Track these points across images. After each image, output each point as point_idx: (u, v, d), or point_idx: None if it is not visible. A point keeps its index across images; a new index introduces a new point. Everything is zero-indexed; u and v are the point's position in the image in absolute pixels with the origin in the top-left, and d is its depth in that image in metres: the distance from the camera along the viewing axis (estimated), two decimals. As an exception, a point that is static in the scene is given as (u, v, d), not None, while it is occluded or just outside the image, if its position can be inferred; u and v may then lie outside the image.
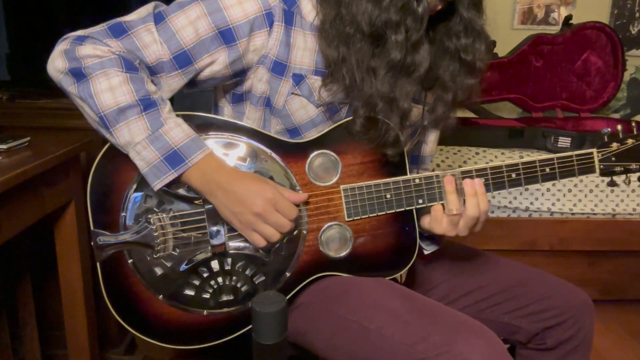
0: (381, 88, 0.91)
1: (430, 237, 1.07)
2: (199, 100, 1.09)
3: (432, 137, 1.15)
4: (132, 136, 0.86)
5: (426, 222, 0.99)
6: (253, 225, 0.88)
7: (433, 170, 1.07)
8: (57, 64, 0.87)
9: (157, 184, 0.87)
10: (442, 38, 0.99)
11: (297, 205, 0.92)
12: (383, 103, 0.92)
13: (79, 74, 0.86)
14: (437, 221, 0.96)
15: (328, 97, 0.95)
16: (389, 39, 0.89)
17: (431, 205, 0.98)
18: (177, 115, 0.90)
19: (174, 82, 0.92)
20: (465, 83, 1.00)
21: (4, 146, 1.20)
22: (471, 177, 0.97)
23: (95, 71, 0.85)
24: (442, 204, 0.96)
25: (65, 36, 0.90)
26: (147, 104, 0.86)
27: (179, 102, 0.95)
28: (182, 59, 0.90)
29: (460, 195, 0.96)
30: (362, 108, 0.93)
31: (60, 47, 0.88)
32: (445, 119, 1.06)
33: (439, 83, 1.01)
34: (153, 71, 0.91)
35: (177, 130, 0.87)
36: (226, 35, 0.90)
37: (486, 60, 1.01)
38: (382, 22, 0.88)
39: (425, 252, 1.07)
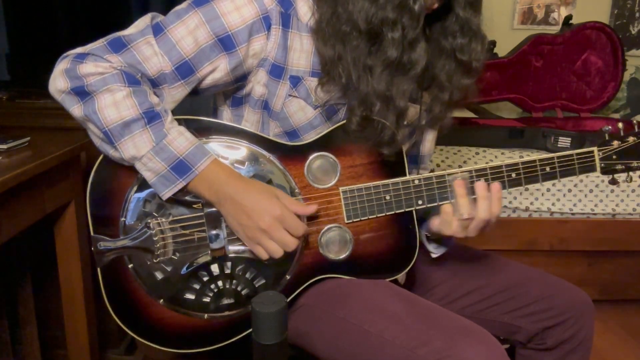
0: (377, 86, 0.90)
1: (437, 239, 1.06)
2: (198, 104, 1.09)
3: (430, 136, 1.15)
4: (138, 150, 0.86)
5: (435, 224, 0.98)
6: (258, 240, 0.88)
7: (432, 170, 1.06)
8: (58, 84, 0.87)
9: (166, 193, 0.88)
10: (438, 37, 0.99)
11: (298, 216, 0.91)
12: (379, 101, 0.92)
13: (82, 93, 0.86)
14: (446, 223, 0.96)
15: (325, 98, 0.95)
16: (386, 36, 0.88)
17: (439, 205, 0.97)
18: (178, 121, 0.90)
19: (177, 92, 0.92)
20: (461, 83, 1.00)
21: (4, 146, 1.20)
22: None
23: (99, 88, 0.85)
24: (451, 204, 0.96)
25: (64, 54, 0.89)
26: (150, 117, 0.86)
27: (179, 105, 0.95)
28: (184, 70, 0.90)
29: (470, 196, 0.95)
30: (359, 107, 0.93)
31: (61, 66, 0.88)
32: (442, 119, 1.05)
33: (436, 82, 1.00)
34: (155, 83, 0.90)
35: (180, 139, 0.87)
36: (226, 42, 0.90)
37: (483, 60, 1.00)
38: (379, 19, 0.88)
39: (433, 256, 1.07)
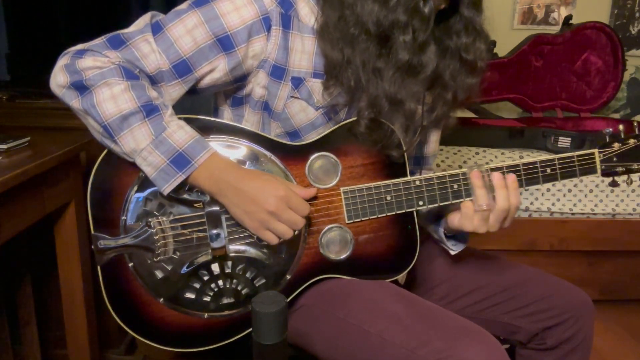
0: (388, 89, 0.91)
1: (454, 236, 1.06)
2: (199, 103, 1.09)
3: (434, 136, 1.15)
4: (137, 143, 0.86)
5: (455, 220, 0.98)
6: (266, 224, 0.88)
7: (433, 171, 1.06)
8: (58, 79, 0.87)
9: (167, 188, 0.88)
10: (442, 36, 0.99)
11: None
12: (389, 104, 0.92)
13: (81, 87, 0.86)
14: (468, 218, 0.95)
15: (328, 100, 0.95)
16: (397, 39, 0.89)
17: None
18: (179, 118, 0.90)
19: (174, 91, 0.92)
20: (465, 82, 1.00)
21: (4, 146, 1.20)
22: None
23: (97, 82, 0.85)
24: (471, 201, 0.96)
25: (65, 51, 0.90)
26: (149, 110, 0.86)
27: (179, 104, 0.95)
28: (182, 68, 0.90)
29: (489, 190, 0.95)
30: (367, 109, 0.93)
31: (61, 62, 0.88)
32: (445, 118, 1.05)
33: (439, 82, 1.00)
34: (153, 80, 0.91)
35: (180, 132, 0.87)
36: (224, 43, 0.90)
37: (486, 59, 1.01)
38: (389, 22, 0.88)
39: (452, 253, 1.06)
